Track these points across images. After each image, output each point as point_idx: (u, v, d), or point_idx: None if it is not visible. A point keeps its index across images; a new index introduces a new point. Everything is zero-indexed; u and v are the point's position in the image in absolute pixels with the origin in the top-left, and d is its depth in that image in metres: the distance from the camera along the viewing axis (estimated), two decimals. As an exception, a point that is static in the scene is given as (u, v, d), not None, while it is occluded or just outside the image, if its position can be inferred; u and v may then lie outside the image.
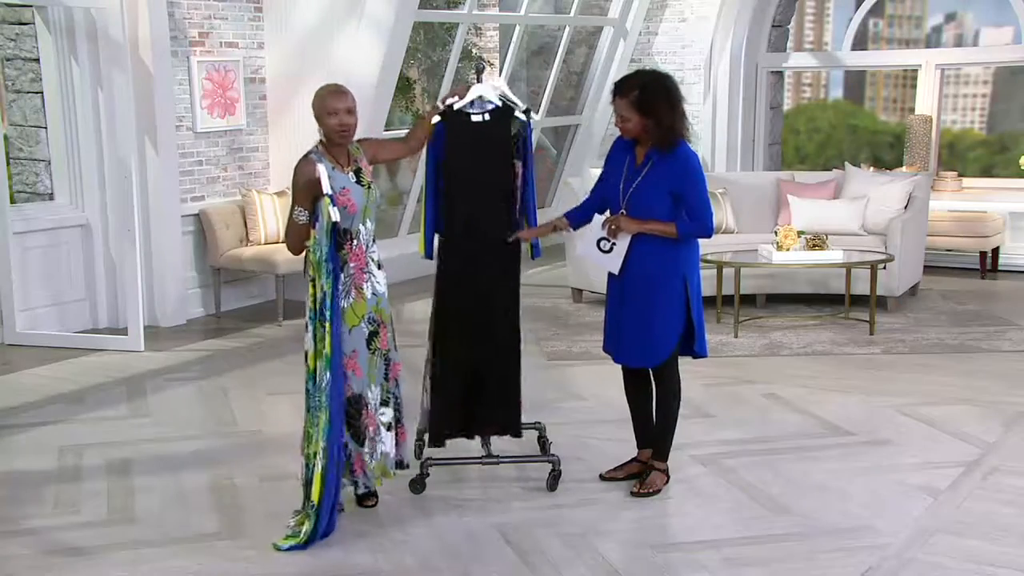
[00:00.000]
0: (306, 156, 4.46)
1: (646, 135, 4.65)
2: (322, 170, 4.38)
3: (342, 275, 4.45)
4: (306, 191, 4.40)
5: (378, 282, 4.55)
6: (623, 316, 4.81)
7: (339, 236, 4.40)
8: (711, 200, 8.62)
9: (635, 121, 4.62)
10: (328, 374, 4.36)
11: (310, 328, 4.45)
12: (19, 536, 4.48)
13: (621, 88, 4.64)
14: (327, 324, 4.36)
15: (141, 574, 4.16)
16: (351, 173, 4.49)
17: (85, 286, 8.04)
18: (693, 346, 4.82)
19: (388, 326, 4.63)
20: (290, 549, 4.30)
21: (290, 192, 4.54)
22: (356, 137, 4.57)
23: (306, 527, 4.35)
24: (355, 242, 4.48)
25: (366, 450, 4.56)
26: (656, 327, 4.72)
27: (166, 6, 7.90)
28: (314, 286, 4.43)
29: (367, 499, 4.76)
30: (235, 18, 8.60)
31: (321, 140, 4.49)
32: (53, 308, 7.86)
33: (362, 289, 4.50)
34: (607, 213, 4.81)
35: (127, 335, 7.53)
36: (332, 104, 4.42)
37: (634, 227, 4.67)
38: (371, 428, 4.55)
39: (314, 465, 4.39)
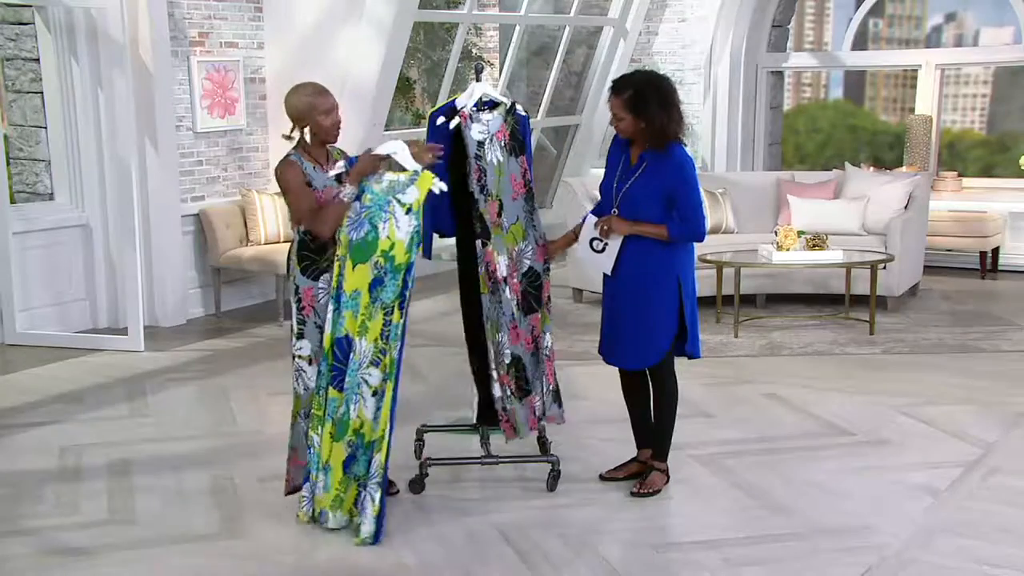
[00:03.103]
0: (286, 159, 4.49)
1: (639, 135, 4.66)
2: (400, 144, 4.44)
3: (327, 275, 4.49)
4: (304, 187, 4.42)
5: None
6: (617, 317, 4.81)
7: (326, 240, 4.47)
8: (711, 200, 8.71)
9: (628, 121, 4.64)
10: (400, 343, 4.37)
11: (331, 309, 4.42)
12: (19, 536, 4.49)
13: (616, 88, 4.67)
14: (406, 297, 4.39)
15: (141, 574, 4.16)
16: (332, 173, 4.52)
17: (85, 286, 8.04)
18: (686, 347, 4.82)
19: None
20: (376, 536, 4.32)
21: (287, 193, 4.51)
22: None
23: (373, 508, 4.34)
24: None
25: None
26: (649, 328, 4.72)
27: (166, 6, 7.90)
28: (341, 265, 4.41)
29: (388, 487, 4.77)
30: (235, 18, 8.60)
31: (299, 143, 4.50)
32: (53, 308, 7.86)
33: None
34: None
35: (127, 335, 7.53)
36: (323, 103, 4.48)
37: (625, 228, 4.68)
38: None
39: (378, 438, 4.37)
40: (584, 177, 10.19)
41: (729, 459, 5.30)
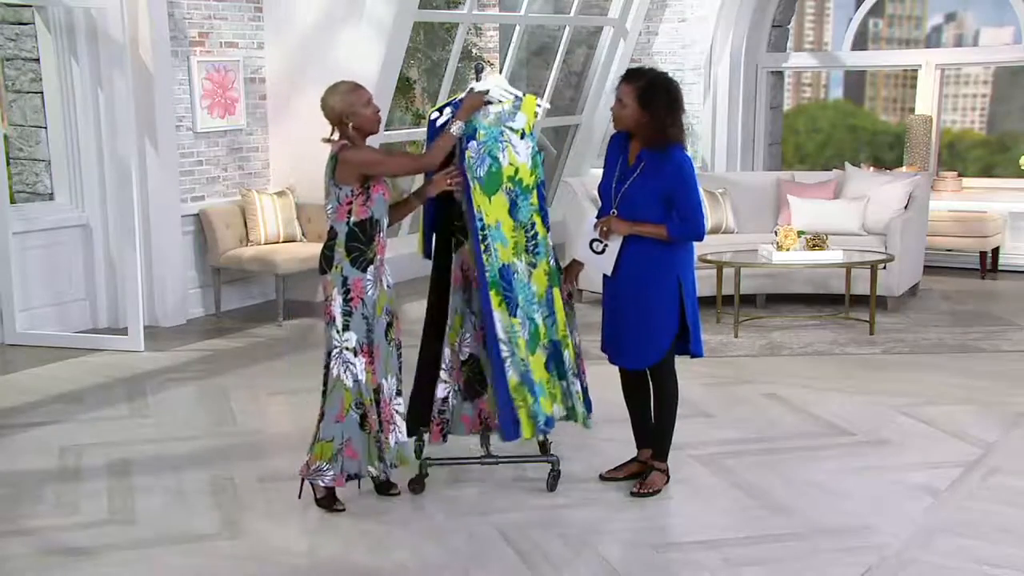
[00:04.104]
0: (344, 146, 4.55)
1: (638, 129, 4.65)
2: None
3: (372, 267, 4.59)
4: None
5: (389, 275, 4.75)
6: (618, 317, 4.81)
7: (371, 229, 4.57)
8: (711, 200, 8.71)
9: (631, 109, 4.62)
10: (551, 256, 4.83)
11: (484, 247, 4.66)
12: (19, 536, 4.48)
13: (630, 75, 4.68)
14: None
15: (141, 574, 4.16)
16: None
17: (85, 286, 8.04)
18: (689, 346, 4.82)
19: (399, 317, 4.80)
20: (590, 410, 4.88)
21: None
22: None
23: (578, 394, 4.83)
24: (382, 235, 4.64)
25: (372, 438, 4.63)
26: (650, 328, 4.72)
27: (166, 6, 7.89)
28: (480, 202, 4.65)
29: (389, 488, 4.84)
30: (235, 18, 8.60)
31: (340, 138, 4.57)
32: (53, 308, 7.86)
33: (382, 281, 4.67)
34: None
35: (127, 335, 7.53)
36: (361, 96, 4.58)
37: (625, 228, 4.68)
38: (384, 417, 4.66)
39: (560, 337, 4.79)
40: (584, 177, 10.19)
41: (729, 459, 5.30)
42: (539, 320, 4.75)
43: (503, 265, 4.68)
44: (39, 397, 6.45)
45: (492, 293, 4.65)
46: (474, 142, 4.67)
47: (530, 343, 4.73)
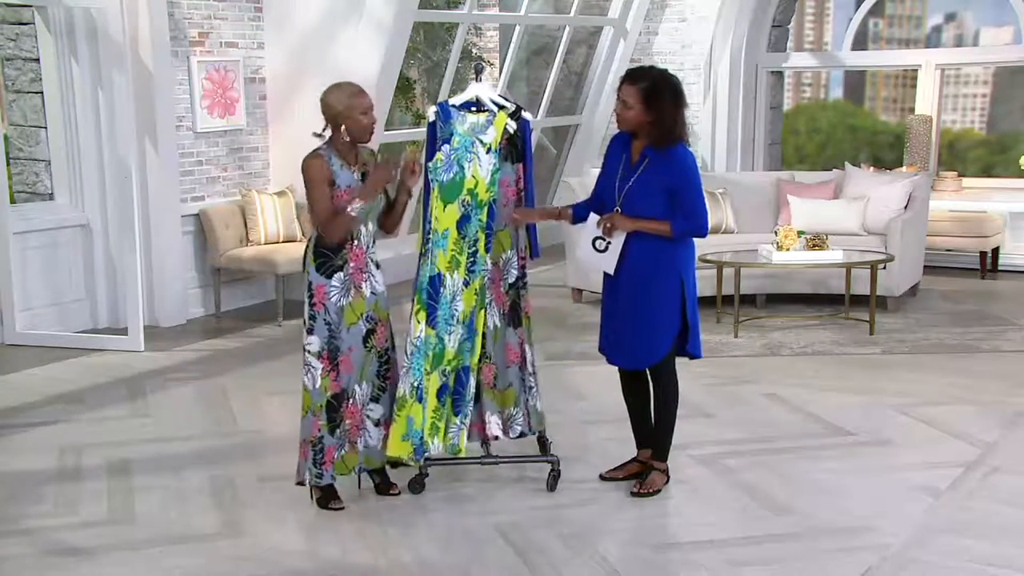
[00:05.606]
0: (315, 152, 4.53)
1: (643, 129, 4.64)
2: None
3: (341, 274, 4.54)
4: (326, 183, 4.49)
5: (377, 281, 4.68)
6: (619, 317, 4.80)
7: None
8: (711, 200, 8.70)
9: (637, 110, 4.60)
10: (486, 276, 4.77)
11: (428, 251, 4.65)
12: (19, 536, 4.48)
13: (633, 75, 4.65)
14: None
15: (141, 574, 4.16)
16: (358, 174, 4.54)
17: (85, 286, 8.04)
18: (686, 346, 4.82)
19: (386, 324, 4.73)
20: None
21: (299, 191, 4.56)
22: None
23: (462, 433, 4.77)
24: (356, 243, 4.58)
25: (336, 442, 4.64)
26: (652, 327, 4.72)
27: (166, 6, 7.89)
28: (435, 208, 4.65)
29: (389, 488, 4.85)
30: (235, 18, 8.60)
31: (330, 140, 4.54)
32: (53, 308, 7.86)
33: (361, 288, 4.61)
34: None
35: (127, 335, 7.53)
36: (362, 103, 4.53)
37: (629, 224, 4.67)
38: (348, 421, 4.65)
39: (471, 365, 4.78)
40: (584, 177, 10.19)
41: (729, 459, 5.30)
42: (451, 344, 4.70)
43: (436, 274, 4.65)
44: (39, 397, 6.45)
45: (416, 298, 4.66)
46: (447, 146, 4.66)
47: (434, 362, 4.69)
